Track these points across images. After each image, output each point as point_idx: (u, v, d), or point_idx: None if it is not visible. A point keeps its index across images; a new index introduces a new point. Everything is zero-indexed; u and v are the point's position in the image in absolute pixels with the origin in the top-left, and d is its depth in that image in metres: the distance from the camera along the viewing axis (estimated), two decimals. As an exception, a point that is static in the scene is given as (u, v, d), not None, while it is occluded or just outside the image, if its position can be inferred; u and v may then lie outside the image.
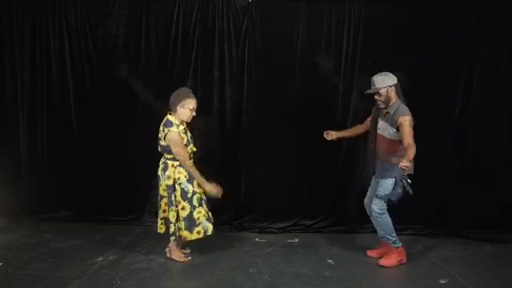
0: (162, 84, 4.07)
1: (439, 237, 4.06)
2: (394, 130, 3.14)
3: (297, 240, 3.96)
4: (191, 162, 3.23)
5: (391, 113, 3.16)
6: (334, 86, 4.13)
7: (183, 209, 3.20)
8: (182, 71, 4.17)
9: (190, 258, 3.37)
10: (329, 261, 3.42)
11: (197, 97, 4.16)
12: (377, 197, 3.26)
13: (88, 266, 3.17)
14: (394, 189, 3.17)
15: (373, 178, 3.47)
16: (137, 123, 4.22)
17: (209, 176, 3.50)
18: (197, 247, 3.45)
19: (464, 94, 4.15)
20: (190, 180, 3.20)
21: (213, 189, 3.22)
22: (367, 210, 3.53)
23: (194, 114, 3.22)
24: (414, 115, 3.19)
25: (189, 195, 3.20)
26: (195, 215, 3.21)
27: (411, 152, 2.91)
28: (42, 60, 4.25)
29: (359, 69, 4.08)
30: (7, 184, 4.32)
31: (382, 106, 3.21)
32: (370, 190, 3.51)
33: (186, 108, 3.17)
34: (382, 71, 3.31)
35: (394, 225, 3.33)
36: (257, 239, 3.95)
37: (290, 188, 4.21)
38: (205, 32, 4.18)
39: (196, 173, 3.19)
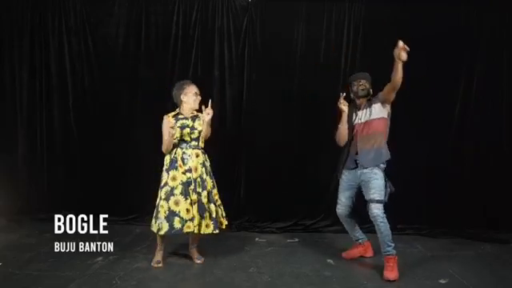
0: (161, 84, 4.07)
1: (439, 237, 4.05)
2: (384, 106, 3.20)
3: (297, 240, 3.96)
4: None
5: (373, 98, 3.25)
6: (334, 86, 4.13)
7: (157, 196, 3.17)
8: (182, 71, 4.17)
9: (160, 265, 3.21)
10: (329, 261, 3.41)
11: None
12: (377, 202, 3.09)
13: (88, 265, 3.17)
14: (385, 188, 3.12)
15: (343, 183, 3.36)
16: (136, 123, 4.22)
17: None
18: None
19: (464, 94, 4.15)
20: (169, 170, 3.15)
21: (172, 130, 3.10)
22: (344, 220, 3.42)
23: (199, 97, 3.25)
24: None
25: (161, 184, 3.15)
26: (159, 208, 3.11)
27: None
28: (42, 60, 4.26)
29: (359, 69, 4.08)
30: (7, 184, 4.31)
31: (365, 92, 3.26)
32: (343, 196, 3.37)
33: (189, 94, 3.22)
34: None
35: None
36: (257, 239, 3.95)
37: (290, 188, 4.21)
38: (205, 32, 4.19)
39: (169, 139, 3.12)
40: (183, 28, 4.18)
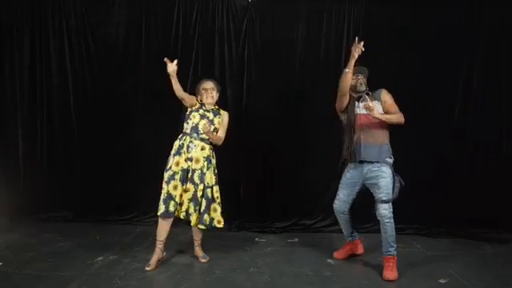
0: (161, 84, 4.06)
1: (439, 237, 4.06)
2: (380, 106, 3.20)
3: (297, 240, 3.96)
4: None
5: (374, 94, 3.25)
6: (334, 86, 4.12)
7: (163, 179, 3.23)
8: (183, 71, 4.14)
9: (152, 267, 3.14)
10: (329, 261, 3.41)
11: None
12: (384, 202, 3.08)
13: (88, 265, 3.17)
14: (393, 186, 3.11)
15: (344, 180, 3.33)
16: (137, 123, 4.23)
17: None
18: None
19: (464, 94, 4.15)
20: (175, 154, 3.20)
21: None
22: (339, 215, 3.38)
23: (210, 93, 3.30)
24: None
25: (167, 167, 3.21)
26: (162, 190, 3.18)
27: (397, 117, 3.13)
28: (42, 60, 4.26)
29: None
30: (7, 184, 4.33)
31: (363, 87, 3.26)
32: (342, 193, 3.34)
33: (201, 91, 3.34)
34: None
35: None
36: (257, 239, 3.95)
37: (289, 188, 4.21)
38: (205, 32, 4.19)
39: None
40: (183, 28, 4.19)
